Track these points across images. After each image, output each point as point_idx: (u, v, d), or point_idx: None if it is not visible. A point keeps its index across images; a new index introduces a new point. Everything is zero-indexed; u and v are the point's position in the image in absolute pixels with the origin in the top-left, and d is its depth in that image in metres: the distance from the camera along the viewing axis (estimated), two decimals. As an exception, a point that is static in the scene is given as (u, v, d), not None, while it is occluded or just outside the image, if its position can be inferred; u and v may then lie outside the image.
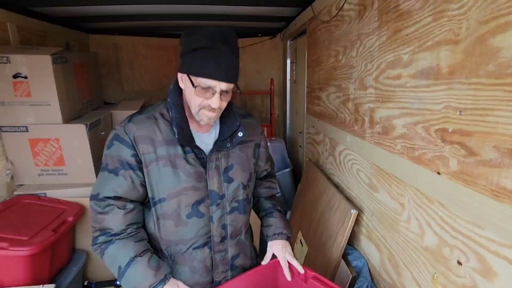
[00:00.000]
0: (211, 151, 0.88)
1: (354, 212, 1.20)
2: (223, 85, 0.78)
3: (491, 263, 0.64)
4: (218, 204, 0.91)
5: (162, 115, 0.86)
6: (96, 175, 1.88)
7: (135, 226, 0.86)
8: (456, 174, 0.72)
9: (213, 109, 0.80)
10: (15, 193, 1.80)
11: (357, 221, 1.27)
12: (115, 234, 0.83)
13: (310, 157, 2.03)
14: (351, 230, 1.22)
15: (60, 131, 1.79)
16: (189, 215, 0.90)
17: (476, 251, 0.68)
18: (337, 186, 1.48)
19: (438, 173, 0.79)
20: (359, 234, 1.29)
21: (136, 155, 0.83)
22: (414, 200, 0.90)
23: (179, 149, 0.84)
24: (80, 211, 1.78)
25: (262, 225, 1.07)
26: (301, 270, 0.94)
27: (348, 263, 1.24)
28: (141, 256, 0.82)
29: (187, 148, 0.85)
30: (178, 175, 0.86)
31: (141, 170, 0.84)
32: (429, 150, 0.82)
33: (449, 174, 0.75)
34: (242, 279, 0.98)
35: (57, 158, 1.86)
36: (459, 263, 0.73)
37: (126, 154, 0.83)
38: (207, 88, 0.78)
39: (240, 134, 0.90)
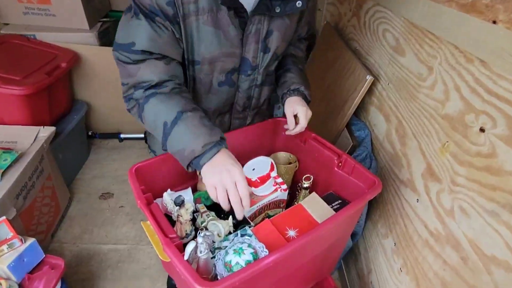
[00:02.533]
0: (255, 10, 0.69)
1: (369, 78, 1.07)
2: None
3: (525, 129, 0.55)
4: (249, 74, 0.81)
5: None
6: (89, 21, 1.71)
7: (178, 81, 0.72)
8: (519, 21, 0.56)
9: None
10: (1, 31, 1.66)
11: (369, 91, 1.15)
12: (156, 86, 0.69)
13: (329, 21, 1.78)
14: (362, 97, 1.11)
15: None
16: (222, 83, 0.80)
17: (510, 115, 0.57)
18: (354, 52, 1.31)
19: (494, 22, 0.61)
20: (369, 104, 1.19)
21: (173, 3, 0.65)
22: (448, 61, 0.75)
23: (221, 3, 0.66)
24: (74, 58, 1.67)
25: (277, 85, 0.94)
26: (302, 128, 0.88)
27: (350, 132, 1.18)
28: (191, 112, 0.67)
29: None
30: (219, 38, 0.70)
31: (178, 23, 0.67)
32: (489, -9, 0.62)
33: (509, 22, 0.58)
34: (240, 132, 0.94)
35: (41, -7, 1.64)
36: (482, 130, 0.64)
37: (161, 0, 0.64)
38: None
39: (299, 3, 0.71)
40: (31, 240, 0.90)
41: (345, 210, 0.71)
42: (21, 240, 0.88)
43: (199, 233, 0.59)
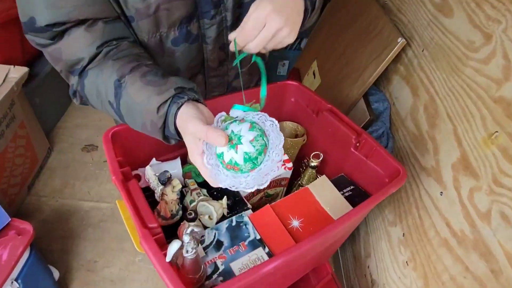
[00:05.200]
0: None
1: (401, 41, 0.90)
2: None
3: None
4: (213, 16, 0.59)
5: None
6: None
7: (115, 42, 0.52)
8: None
9: None
10: None
11: (396, 57, 0.98)
12: (89, 63, 0.51)
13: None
14: (388, 63, 0.94)
15: None
16: (177, 41, 0.58)
17: None
18: (383, 7, 1.11)
19: None
20: (393, 73, 1.03)
21: None
22: (517, 29, 0.58)
23: None
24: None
25: None
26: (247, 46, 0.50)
27: (367, 104, 1.03)
28: (130, 73, 0.50)
29: None
30: None
31: None
32: None
33: None
34: (235, 97, 0.78)
35: None
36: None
37: None
38: None
39: None
40: (-9, 202, 0.78)
41: (364, 205, 0.59)
42: (-21, 202, 0.76)
43: (186, 231, 0.47)
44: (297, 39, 2.00)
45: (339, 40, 1.27)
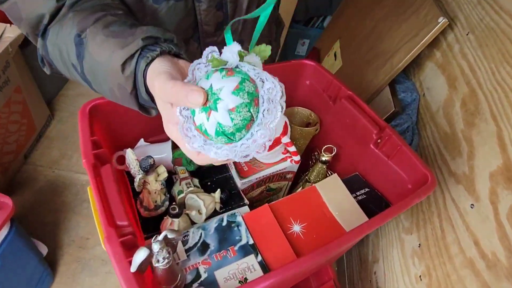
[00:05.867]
0: None
1: (443, 20, 0.75)
2: None
3: None
4: None
5: None
6: None
7: None
8: None
9: None
10: None
11: (433, 41, 0.84)
12: (50, 21, 0.41)
13: None
14: (422, 48, 0.81)
15: None
16: None
17: None
18: (422, -18, 0.95)
19: None
20: (427, 59, 0.89)
21: None
22: None
23: None
24: None
25: None
26: None
27: (393, 93, 0.90)
28: (92, 26, 0.39)
29: None
30: None
31: None
32: None
33: None
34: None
35: None
36: None
37: None
38: None
39: None
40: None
41: (382, 217, 0.49)
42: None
43: (155, 237, 0.38)
44: (319, 16, 1.84)
45: (367, 18, 1.12)
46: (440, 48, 0.83)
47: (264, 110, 0.31)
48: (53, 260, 1.11)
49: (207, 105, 0.31)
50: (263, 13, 0.31)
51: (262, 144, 0.32)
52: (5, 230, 0.78)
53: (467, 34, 0.74)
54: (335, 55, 1.25)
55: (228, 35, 0.32)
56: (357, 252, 1.11)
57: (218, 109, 0.30)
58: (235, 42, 0.32)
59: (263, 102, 0.32)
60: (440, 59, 0.83)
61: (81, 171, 1.35)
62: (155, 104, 0.38)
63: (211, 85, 0.31)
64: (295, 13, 1.64)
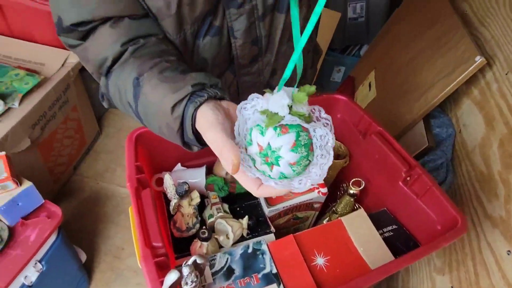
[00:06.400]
0: None
1: (480, 60, 0.75)
2: None
3: None
4: (242, 4, 0.51)
5: None
6: None
7: (142, 41, 0.48)
8: None
9: None
10: None
11: (471, 77, 0.83)
12: (113, 63, 0.48)
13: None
14: (458, 86, 0.80)
15: None
16: (199, 34, 0.52)
17: None
18: (462, 18, 0.95)
19: None
20: (464, 95, 0.88)
21: None
22: None
23: None
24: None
25: None
26: None
27: (427, 128, 0.90)
28: (149, 71, 0.44)
29: None
30: None
31: None
32: None
33: None
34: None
35: None
36: None
37: None
38: None
39: None
40: (27, 184, 0.81)
41: (408, 257, 0.49)
42: (16, 182, 0.79)
43: (185, 262, 0.41)
44: (356, 45, 1.86)
45: (404, 50, 1.13)
46: (478, 86, 0.82)
47: (317, 155, 0.35)
48: (90, 267, 1.19)
49: (269, 161, 0.35)
50: (297, 48, 0.34)
51: (317, 180, 0.35)
52: (53, 237, 0.86)
53: (506, 74, 0.73)
54: (369, 85, 1.25)
55: (281, 84, 0.35)
56: (385, 286, 1.07)
57: (280, 165, 0.34)
58: (284, 92, 0.34)
59: (316, 148, 0.35)
60: (478, 97, 0.81)
61: (122, 184, 1.44)
62: (198, 143, 0.43)
63: (268, 143, 0.34)
64: (332, 41, 1.67)
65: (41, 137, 1.14)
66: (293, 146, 0.33)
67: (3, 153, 0.82)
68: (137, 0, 0.47)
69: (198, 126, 0.40)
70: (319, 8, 0.31)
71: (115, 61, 0.48)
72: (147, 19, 0.49)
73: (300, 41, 0.33)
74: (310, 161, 0.35)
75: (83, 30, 0.46)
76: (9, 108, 1.05)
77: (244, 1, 0.52)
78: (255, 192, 0.37)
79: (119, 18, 0.46)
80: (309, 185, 0.35)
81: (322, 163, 0.35)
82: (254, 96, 0.37)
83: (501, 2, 0.81)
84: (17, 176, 0.81)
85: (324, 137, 0.35)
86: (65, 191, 1.39)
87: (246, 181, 0.37)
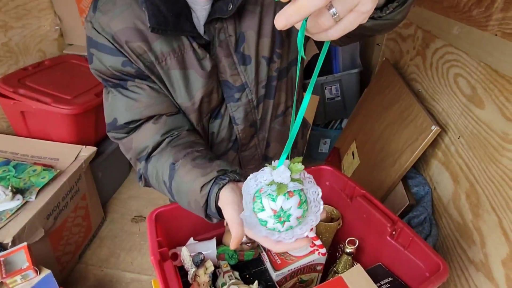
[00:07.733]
0: (209, 19, 0.58)
1: (435, 128, 0.91)
2: None
3: None
4: (238, 99, 0.67)
5: None
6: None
7: (176, 132, 0.64)
8: None
9: None
10: (64, 51, 1.76)
11: (434, 142, 0.99)
12: (153, 151, 0.62)
13: (389, 57, 1.63)
14: (424, 150, 0.95)
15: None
16: (211, 120, 0.71)
17: None
18: (417, 95, 1.15)
19: None
20: (431, 157, 1.02)
21: (128, 61, 0.58)
22: (550, 124, 0.58)
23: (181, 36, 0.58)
24: (124, 80, 1.70)
25: None
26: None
27: (406, 188, 1.02)
28: (183, 158, 0.57)
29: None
30: (191, 80, 0.62)
31: (150, 75, 0.60)
32: None
33: None
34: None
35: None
36: None
37: (115, 63, 0.58)
38: None
39: None
40: (46, 272, 0.86)
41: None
42: (36, 271, 0.84)
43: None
44: (337, 119, 2.08)
45: (376, 123, 1.31)
46: (440, 149, 0.97)
47: (312, 206, 0.46)
48: None
49: (281, 220, 0.46)
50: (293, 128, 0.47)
51: (311, 225, 0.46)
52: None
53: (458, 138, 0.88)
54: (353, 154, 1.41)
55: (282, 160, 0.47)
56: None
57: (291, 220, 0.45)
58: (285, 167, 0.46)
59: (311, 201, 0.47)
60: (442, 158, 0.96)
61: (127, 269, 1.46)
62: (218, 216, 0.54)
63: (281, 207, 0.45)
64: (316, 118, 1.89)
65: (53, 226, 1.21)
66: (298, 204, 0.45)
67: (25, 243, 0.89)
68: (172, 102, 0.63)
69: (220, 203, 0.52)
70: (308, 94, 0.41)
71: (154, 148, 0.62)
72: (179, 115, 0.65)
73: (294, 125, 0.47)
74: (308, 211, 0.46)
75: (132, 127, 0.62)
76: (26, 201, 1.14)
77: (240, 97, 0.68)
78: (273, 247, 0.47)
79: (159, 116, 0.62)
80: (308, 229, 0.46)
81: (315, 211, 0.46)
82: (253, 175, 0.50)
83: (443, 82, 1.02)
84: (36, 265, 0.87)
85: (314, 192, 0.47)
86: (70, 280, 1.39)
87: (265, 241, 0.47)
